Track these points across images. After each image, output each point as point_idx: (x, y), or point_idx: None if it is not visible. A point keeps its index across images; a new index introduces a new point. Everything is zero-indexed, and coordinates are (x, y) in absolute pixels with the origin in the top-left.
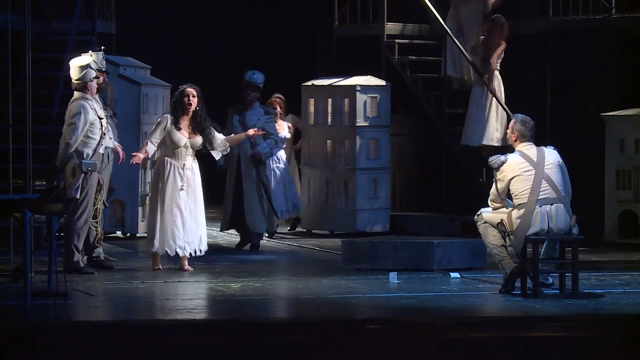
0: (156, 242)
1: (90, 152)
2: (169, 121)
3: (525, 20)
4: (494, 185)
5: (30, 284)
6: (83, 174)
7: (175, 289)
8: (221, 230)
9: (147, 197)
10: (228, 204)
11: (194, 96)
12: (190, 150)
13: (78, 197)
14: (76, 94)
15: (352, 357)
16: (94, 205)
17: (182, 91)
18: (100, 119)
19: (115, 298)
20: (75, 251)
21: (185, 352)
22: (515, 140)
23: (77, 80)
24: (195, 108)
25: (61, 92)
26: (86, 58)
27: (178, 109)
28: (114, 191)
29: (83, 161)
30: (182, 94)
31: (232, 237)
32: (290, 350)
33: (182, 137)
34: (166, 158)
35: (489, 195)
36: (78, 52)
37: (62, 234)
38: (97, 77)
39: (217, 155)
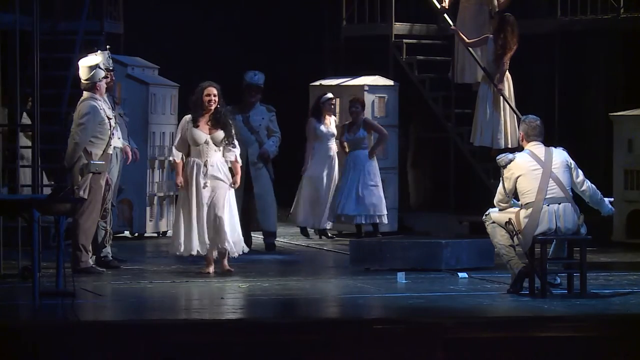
0: (180, 245)
1: (99, 152)
2: (188, 120)
3: (534, 20)
4: (500, 184)
5: (38, 283)
6: (91, 174)
7: (183, 289)
8: None
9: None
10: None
11: (215, 95)
12: (212, 147)
13: (86, 197)
14: (85, 94)
15: (360, 357)
16: (102, 205)
17: (203, 89)
18: (109, 119)
19: (123, 298)
20: (84, 251)
21: (193, 352)
22: (523, 140)
23: (86, 80)
24: (217, 106)
25: (69, 92)
26: (95, 58)
27: (198, 107)
28: (123, 191)
29: (91, 161)
30: (202, 93)
31: None
32: (298, 350)
33: (202, 134)
34: (190, 157)
35: (495, 195)
36: (86, 52)
37: (70, 233)
38: (106, 77)
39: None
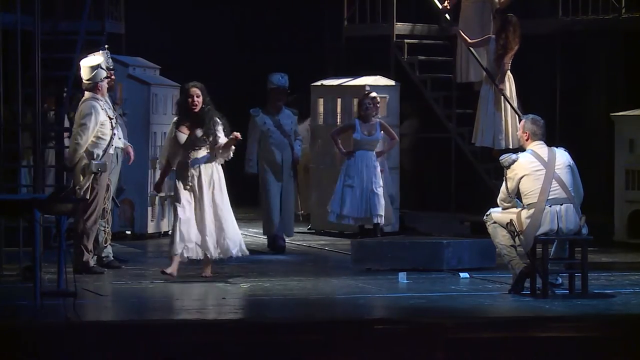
0: (171, 246)
1: (101, 152)
2: (173, 123)
3: (535, 21)
4: (503, 184)
5: (40, 283)
6: (93, 175)
7: (184, 289)
8: (265, 234)
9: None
10: (276, 209)
11: (198, 96)
12: (194, 147)
13: (87, 197)
14: (87, 94)
15: (361, 357)
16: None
17: (186, 91)
18: (111, 119)
19: (125, 298)
20: (85, 251)
21: (194, 352)
22: (527, 139)
23: (87, 80)
24: (202, 106)
25: (70, 93)
26: (97, 58)
27: (183, 109)
28: (124, 191)
29: (93, 162)
30: (186, 95)
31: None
32: (300, 351)
33: (183, 135)
34: (179, 159)
35: (498, 194)
36: (86, 53)
37: (71, 234)
38: (107, 77)
39: (219, 162)
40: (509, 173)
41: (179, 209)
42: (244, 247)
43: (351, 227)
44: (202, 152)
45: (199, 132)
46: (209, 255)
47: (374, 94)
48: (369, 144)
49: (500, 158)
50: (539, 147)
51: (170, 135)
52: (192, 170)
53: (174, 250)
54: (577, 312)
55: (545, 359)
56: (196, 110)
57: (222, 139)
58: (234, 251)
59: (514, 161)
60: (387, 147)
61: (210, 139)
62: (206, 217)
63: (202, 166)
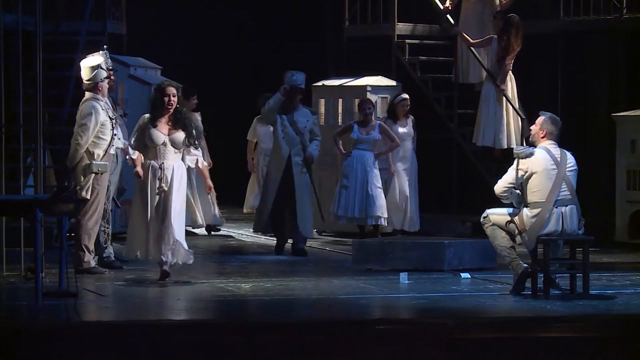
0: (134, 248)
1: (101, 152)
2: (146, 120)
3: (536, 21)
4: (511, 172)
5: (41, 284)
6: (94, 175)
7: (185, 290)
8: (255, 231)
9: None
10: (267, 205)
11: (174, 95)
12: (170, 149)
13: (88, 197)
14: (87, 94)
15: (363, 357)
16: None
17: (163, 90)
18: (111, 119)
19: (126, 298)
20: (86, 251)
21: (195, 352)
22: (543, 137)
23: (88, 80)
24: (176, 106)
25: (72, 93)
26: (97, 58)
27: (157, 108)
28: (125, 191)
29: (94, 162)
30: (162, 93)
31: (241, 237)
32: (300, 351)
33: (160, 135)
34: (146, 159)
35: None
36: (87, 53)
37: (72, 234)
38: (107, 78)
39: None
40: (522, 165)
41: (148, 210)
42: (191, 257)
43: (352, 228)
44: (178, 155)
45: (181, 135)
46: (162, 261)
47: (405, 95)
48: (366, 143)
49: (516, 149)
50: (553, 147)
51: (140, 129)
52: (166, 172)
53: (164, 254)
54: (578, 313)
55: (546, 359)
56: (171, 109)
57: (196, 155)
58: (183, 257)
59: (531, 154)
60: (387, 149)
61: (190, 142)
62: (173, 220)
63: (176, 168)
